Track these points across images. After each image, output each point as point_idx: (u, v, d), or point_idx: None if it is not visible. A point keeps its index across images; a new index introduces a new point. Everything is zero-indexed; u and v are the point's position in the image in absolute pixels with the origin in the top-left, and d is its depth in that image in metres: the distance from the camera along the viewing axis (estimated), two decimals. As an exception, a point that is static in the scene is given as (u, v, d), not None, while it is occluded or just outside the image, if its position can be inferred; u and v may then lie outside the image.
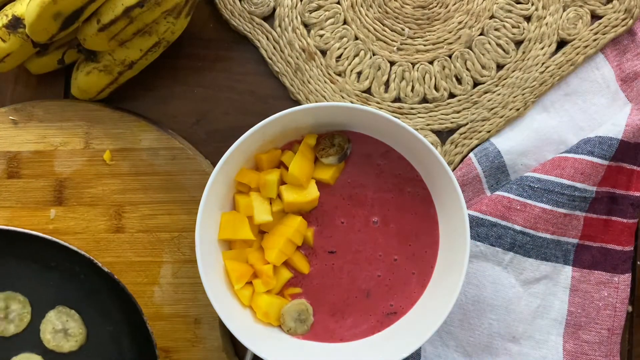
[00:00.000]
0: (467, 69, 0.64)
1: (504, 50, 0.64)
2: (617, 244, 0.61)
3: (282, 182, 0.58)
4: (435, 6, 0.64)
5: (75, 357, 0.57)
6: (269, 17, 0.65)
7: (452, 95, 0.64)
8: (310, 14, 0.64)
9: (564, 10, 0.64)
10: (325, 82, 0.64)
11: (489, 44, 0.64)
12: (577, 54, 0.64)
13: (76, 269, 0.57)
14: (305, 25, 0.65)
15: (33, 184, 0.61)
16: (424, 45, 0.64)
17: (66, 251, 0.56)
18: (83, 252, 0.56)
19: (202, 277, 0.53)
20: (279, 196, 0.57)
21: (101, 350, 0.58)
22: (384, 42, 0.64)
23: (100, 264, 0.56)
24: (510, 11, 0.64)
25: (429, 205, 0.58)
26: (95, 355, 0.58)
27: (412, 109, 0.64)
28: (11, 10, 0.59)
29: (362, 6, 0.64)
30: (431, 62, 0.64)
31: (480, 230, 0.61)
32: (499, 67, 0.64)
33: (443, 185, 0.55)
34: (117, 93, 0.64)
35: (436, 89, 0.64)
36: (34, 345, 0.57)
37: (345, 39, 0.64)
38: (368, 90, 0.64)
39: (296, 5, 0.64)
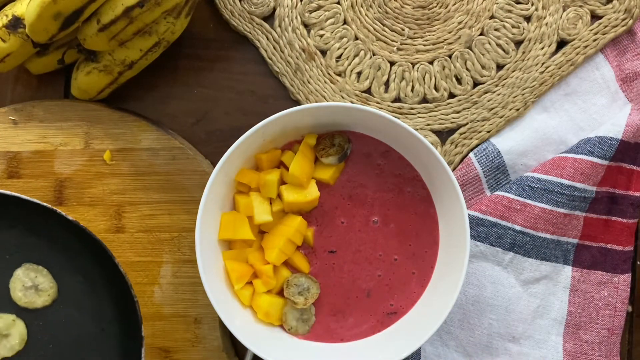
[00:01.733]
0: (467, 69, 0.64)
1: (504, 50, 0.64)
2: (617, 244, 0.61)
3: (282, 182, 0.58)
4: (435, 6, 0.64)
5: (50, 311, 0.56)
6: (269, 17, 0.65)
7: (452, 95, 0.64)
8: (310, 14, 0.64)
9: (564, 10, 0.64)
10: (325, 82, 0.64)
11: (489, 44, 0.64)
12: (577, 54, 0.64)
13: (39, 224, 0.56)
14: (305, 25, 0.65)
15: (33, 184, 0.61)
16: (424, 45, 0.64)
17: (26, 206, 0.54)
18: (44, 204, 0.54)
19: (202, 277, 0.53)
20: (279, 196, 0.57)
21: (75, 303, 0.57)
22: (384, 42, 0.64)
23: (64, 214, 0.54)
24: (510, 11, 0.64)
25: (429, 205, 0.58)
26: (70, 308, 0.57)
27: (412, 109, 0.64)
28: (11, 10, 0.59)
29: (362, 6, 0.64)
30: (431, 62, 0.64)
31: (480, 230, 0.61)
32: (499, 67, 0.64)
33: (443, 185, 0.55)
34: (117, 93, 0.64)
35: (436, 89, 0.64)
36: (6, 305, 0.56)
37: (345, 39, 0.64)
38: (368, 90, 0.64)
39: (296, 5, 0.64)
